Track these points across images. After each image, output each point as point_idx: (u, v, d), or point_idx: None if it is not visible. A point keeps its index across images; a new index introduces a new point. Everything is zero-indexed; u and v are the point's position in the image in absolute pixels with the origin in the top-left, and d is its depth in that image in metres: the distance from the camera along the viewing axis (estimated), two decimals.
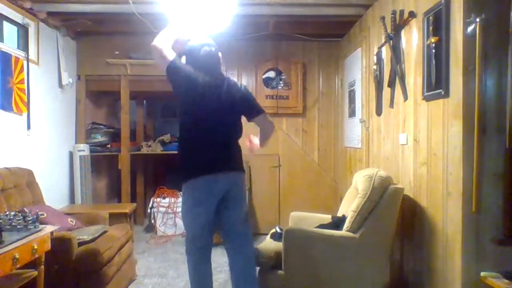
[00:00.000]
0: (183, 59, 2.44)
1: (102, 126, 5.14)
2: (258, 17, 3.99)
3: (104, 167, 5.48)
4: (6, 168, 3.01)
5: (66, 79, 4.40)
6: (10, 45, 3.51)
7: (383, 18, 3.16)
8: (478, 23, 2.00)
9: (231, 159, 2.41)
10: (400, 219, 2.76)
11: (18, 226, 2.24)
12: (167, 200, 4.90)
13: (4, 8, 3.41)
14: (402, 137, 2.91)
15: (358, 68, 3.99)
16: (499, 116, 2.07)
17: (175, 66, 2.33)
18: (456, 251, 2.17)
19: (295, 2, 3.66)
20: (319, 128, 5.01)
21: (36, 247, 2.19)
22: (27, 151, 3.65)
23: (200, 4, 2.84)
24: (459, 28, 2.13)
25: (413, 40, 2.72)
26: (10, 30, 3.62)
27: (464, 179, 2.10)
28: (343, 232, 2.57)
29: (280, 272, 2.56)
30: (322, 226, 2.82)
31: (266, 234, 3.13)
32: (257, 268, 2.67)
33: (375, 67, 3.39)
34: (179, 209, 4.74)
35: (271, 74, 4.92)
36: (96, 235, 2.85)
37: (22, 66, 3.53)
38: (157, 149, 5.32)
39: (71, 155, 4.58)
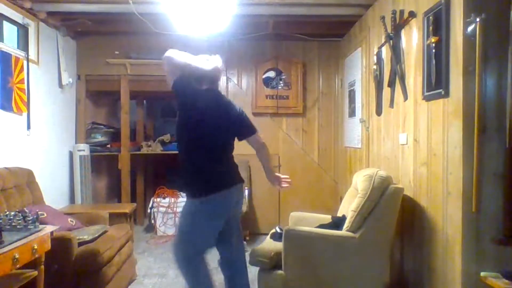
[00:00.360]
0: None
1: (102, 126, 5.14)
2: (257, 17, 3.99)
3: (104, 167, 5.48)
4: (6, 168, 3.01)
5: (66, 79, 4.40)
6: (10, 45, 3.52)
7: (383, 18, 3.16)
8: (478, 23, 2.00)
9: (237, 171, 2.51)
10: (400, 219, 2.76)
11: (18, 226, 2.24)
12: (167, 200, 4.90)
13: (4, 8, 3.41)
14: (402, 137, 2.91)
15: (358, 68, 3.99)
16: (499, 116, 2.07)
17: (183, 81, 2.38)
18: (456, 251, 2.17)
19: (295, 2, 3.66)
20: (319, 128, 5.01)
21: (36, 247, 2.19)
22: (27, 151, 3.65)
23: (200, 4, 2.84)
24: (459, 28, 2.13)
25: (413, 40, 2.72)
26: (10, 30, 3.62)
27: (464, 179, 2.10)
28: (343, 232, 2.57)
29: (280, 272, 2.56)
30: (322, 226, 2.82)
31: (266, 234, 3.13)
32: (257, 269, 2.68)
33: (375, 67, 3.39)
34: (179, 209, 4.74)
35: (271, 74, 4.92)
36: (96, 235, 2.85)
37: (22, 66, 3.53)
38: (157, 149, 5.33)
39: (71, 155, 4.58)
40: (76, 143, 4.72)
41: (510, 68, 2.02)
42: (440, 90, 2.30)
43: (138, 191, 5.58)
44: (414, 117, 2.71)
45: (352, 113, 4.25)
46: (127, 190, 4.89)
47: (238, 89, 4.98)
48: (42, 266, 2.36)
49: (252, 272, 2.93)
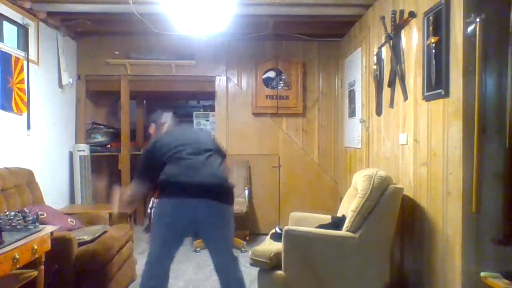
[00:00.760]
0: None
1: (102, 126, 5.14)
2: (257, 17, 3.99)
3: (104, 167, 5.48)
4: (6, 168, 3.01)
5: (66, 79, 4.40)
6: (10, 45, 3.52)
7: (383, 18, 3.16)
8: (478, 23, 2.00)
9: (218, 189, 2.46)
10: (400, 219, 2.76)
11: (18, 226, 2.24)
12: None
13: (4, 8, 3.41)
14: (402, 137, 2.91)
15: (358, 68, 3.99)
16: (499, 116, 2.06)
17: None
18: (456, 251, 2.16)
19: (295, 2, 3.66)
20: (319, 128, 5.01)
21: (36, 247, 2.19)
22: (27, 151, 3.65)
23: (200, 4, 2.84)
24: (459, 28, 2.13)
25: (413, 40, 2.72)
26: (10, 30, 3.62)
27: (464, 179, 2.10)
28: (343, 232, 2.57)
29: (280, 272, 2.56)
30: (322, 226, 2.82)
31: (266, 234, 3.13)
32: (257, 269, 2.67)
33: (375, 67, 3.39)
34: None
35: (271, 74, 4.92)
36: (96, 235, 2.85)
37: (22, 66, 3.53)
38: None
39: (71, 155, 4.58)
40: (76, 143, 4.72)
41: (510, 68, 2.02)
42: (440, 90, 2.30)
43: None
44: (414, 117, 2.71)
45: (352, 113, 4.25)
46: None
47: (238, 89, 4.98)
48: (42, 266, 2.36)
49: (252, 272, 2.94)
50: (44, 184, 3.52)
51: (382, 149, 3.35)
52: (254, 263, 2.64)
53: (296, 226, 2.86)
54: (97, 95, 5.24)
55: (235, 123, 4.97)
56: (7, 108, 3.34)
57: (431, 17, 2.41)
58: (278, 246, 2.63)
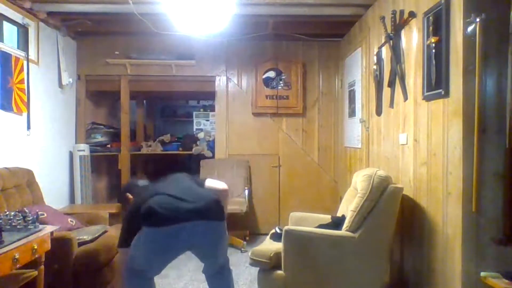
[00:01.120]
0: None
1: (102, 126, 5.14)
2: (257, 17, 3.99)
3: (104, 167, 5.48)
4: (6, 168, 3.01)
5: (66, 79, 4.40)
6: (10, 45, 3.52)
7: (383, 18, 3.16)
8: (478, 23, 2.00)
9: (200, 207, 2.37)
10: (400, 219, 2.76)
11: (18, 226, 2.24)
12: None
13: (4, 8, 3.41)
14: (402, 137, 2.91)
15: (358, 68, 3.99)
16: (499, 116, 2.06)
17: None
18: (456, 251, 2.17)
19: (295, 2, 3.66)
20: (319, 128, 5.01)
21: (36, 247, 2.19)
22: (27, 151, 3.65)
23: (200, 4, 2.84)
24: (459, 28, 2.13)
25: (413, 40, 2.72)
26: (10, 30, 3.62)
27: (464, 179, 2.10)
28: (343, 232, 2.57)
29: (280, 272, 2.56)
30: (321, 226, 2.82)
31: (266, 234, 3.13)
32: (257, 269, 2.68)
33: (375, 67, 3.39)
34: None
35: (271, 74, 4.92)
36: (96, 235, 2.85)
37: (22, 66, 3.53)
38: (157, 149, 5.33)
39: (71, 155, 4.58)
40: (76, 143, 4.72)
41: (510, 68, 2.02)
42: (440, 90, 2.30)
43: None
44: (414, 117, 2.71)
45: (352, 113, 4.25)
46: None
47: (238, 89, 4.98)
48: (42, 266, 2.36)
49: (252, 272, 2.94)
50: (44, 184, 3.52)
51: (382, 149, 3.35)
52: (254, 263, 2.64)
53: (296, 226, 2.87)
54: (97, 95, 5.24)
55: (235, 123, 4.97)
56: (7, 108, 3.34)
57: (431, 17, 2.41)
58: (278, 246, 2.64)
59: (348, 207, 2.75)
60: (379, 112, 3.40)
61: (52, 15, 3.94)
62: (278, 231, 2.95)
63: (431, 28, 2.40)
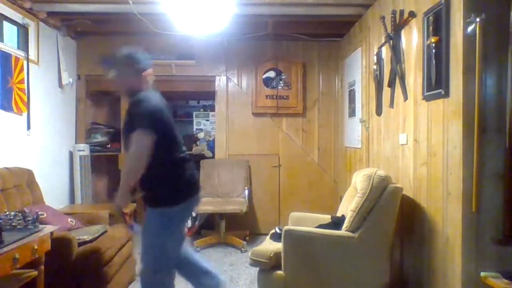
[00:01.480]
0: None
1: (102, 126, 5.13)
2: (257, 17, 3.99)
3: (104, 167, 5.47)
4: (6, 168, 3.00)
5: (66, 79, 4.40)
6: (10, 45, 3.52)
7: (383, 18, 3.16)
8: (478, 23, 2.00)
9: None
10: (400, 219, 2.76)
11: (18, 226, 2.24)
12: None
13: (4, 8, 3.41)
14: (402, 137, 2.91)
15: (358, 68, 3.99)
16: (499, 116, 2.07)
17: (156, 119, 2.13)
18: (456, 251, 2.17)
19: (295, 2, 3.66)
20: (319, 128, 5.00)
21: (36, 247, 2.19)
22: (27, 151, 3.65)
23: (200, 4, 2.84)
24: (459, 28, 2.13)
25: (413, 40, 2.72)
26: (10, 30, 3.62)
27: (464, 179, 2.10)
28: (342, 231, 2.57)
29: (279, 272, 2.56)
30: (321, 226, 2.82)
31: (266, 234, 3.13)
32: (257, 269, 2.67)
33: (375, 67, 3.39)
34: None
35: (271, 74, 4.92)
36: (96, 235, 2.85)
37: (22, 66, 3.53)
38: None
39: (71, 155, 4.58)
40: (76, 143, 4.72)
41: (510, 68, 2.02)
42: (440, 90, 2.30)
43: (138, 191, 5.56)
44: (414, 117, 2.71)
45: (352, 113, 4.25)
46: None
47: (238, 89, 4.98)
48: (42, 266, 2.36)
49: (252, 272, 2.94)
50: (44, 184, 3.51)
51: (382, 149, 3.35)
52: (254, 263, 2.64)
53: (296, 226, 2.87)
54: (97, 95, 5.24)
55: (235, 123, 4.97)
56: (7, 108, 3.33)
57: (431, 17, 2.41)
58: (278, 246, 2.64)
59: (348, 207, 2.75)
60: (379, 112, 3.40)
61: (52, 15, 3.94)
62: (278, 231, 2.95)
63: (431, 28, 2.40)
